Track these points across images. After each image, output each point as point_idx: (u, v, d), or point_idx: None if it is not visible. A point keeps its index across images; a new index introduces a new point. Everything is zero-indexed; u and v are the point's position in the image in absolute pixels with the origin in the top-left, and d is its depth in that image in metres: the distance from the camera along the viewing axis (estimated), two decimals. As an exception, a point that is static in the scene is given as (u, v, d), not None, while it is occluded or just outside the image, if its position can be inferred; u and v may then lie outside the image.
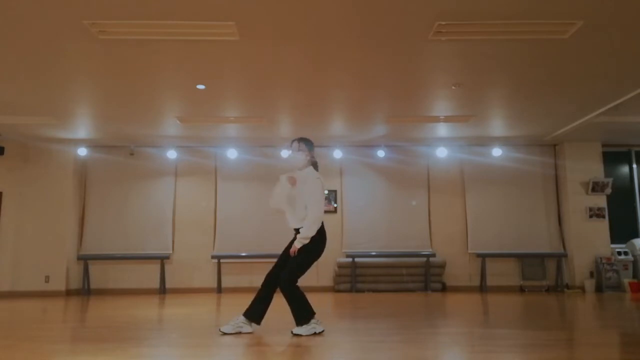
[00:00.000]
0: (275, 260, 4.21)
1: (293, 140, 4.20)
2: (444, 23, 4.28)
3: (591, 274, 8.62)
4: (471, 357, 3.20)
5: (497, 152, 8.93)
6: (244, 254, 8.80)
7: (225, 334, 3.98)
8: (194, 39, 4.58)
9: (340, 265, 8.64)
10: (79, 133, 8.13)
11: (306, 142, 4.18)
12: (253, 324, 4.07)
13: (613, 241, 8.76)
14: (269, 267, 4.18)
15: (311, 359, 3.17)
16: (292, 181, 4.07)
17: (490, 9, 4.05)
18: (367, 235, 9.03)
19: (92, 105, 6.74)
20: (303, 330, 3.95)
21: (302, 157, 4.13)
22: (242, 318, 4.04)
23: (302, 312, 4.01)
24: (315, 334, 3.95)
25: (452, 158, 9.18)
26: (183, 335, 4.18)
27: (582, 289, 8.52)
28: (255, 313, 4.06)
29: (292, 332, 3.95)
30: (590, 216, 8.75)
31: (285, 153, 4.09)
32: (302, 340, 3.74)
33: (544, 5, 4.01)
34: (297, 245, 4.00)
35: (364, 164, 9.24)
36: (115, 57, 5.03)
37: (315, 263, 4.09)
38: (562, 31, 4.45)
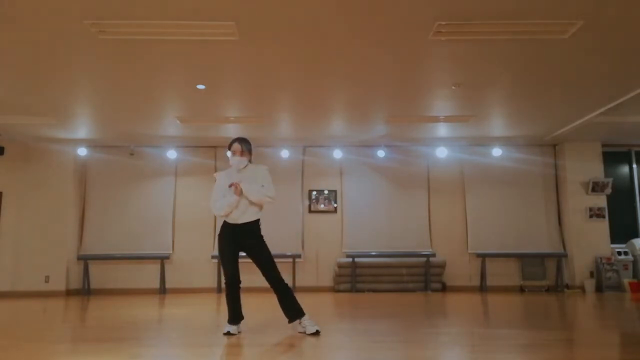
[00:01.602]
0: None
1: (234, 142, 4.22)
2: (444, 23, 4.28)
3: (591, 274, 8.62)
4: (471, 357, 3.20)
5: (497, 152, 8.94)
6: (243, 254, 8.75)
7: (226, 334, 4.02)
8: (194, 39, 4.58)
9: (340, 265, 8.63)
10: (79, 133, 8.13)
11: (248, 145, 4.26)
12: (241, 323, 4.18)
13: (613, 241, 8.77)
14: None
15: (312, 359, 3.17)
16: (238, 192, 4.12)
17: (490, 9, 4.05)
18: (367, 235, 9.02)
19: (92, 105, 6.74)
20: (314, 327, 4.02)
21: (246, 160, 4.24)
22: (234, 327, 4.09)
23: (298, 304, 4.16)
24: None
25: (452, 158, 9.18)
26: (183, 335, 4.18)
27: (582, 289, 8.53)
28: (237, 315, 4.14)
29: (314, 331, 3.98)
30: (590, 216, 8.76)
31: (233, 158, 4.14)
32: (302, 340, 3.75)
33: (544, 5, 4.01)
34: (255, 194, 4.11)
35: (364, 164, 9.24)
36: (115, 57, 5.03)
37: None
38: (562, 31, 4.45)
